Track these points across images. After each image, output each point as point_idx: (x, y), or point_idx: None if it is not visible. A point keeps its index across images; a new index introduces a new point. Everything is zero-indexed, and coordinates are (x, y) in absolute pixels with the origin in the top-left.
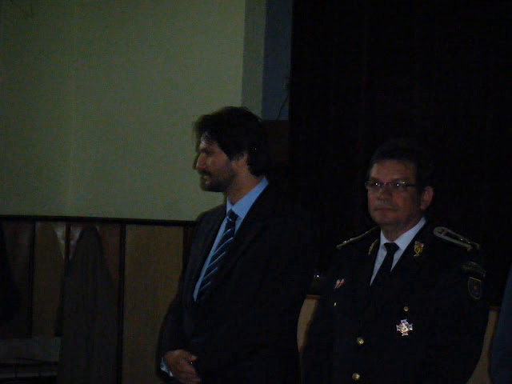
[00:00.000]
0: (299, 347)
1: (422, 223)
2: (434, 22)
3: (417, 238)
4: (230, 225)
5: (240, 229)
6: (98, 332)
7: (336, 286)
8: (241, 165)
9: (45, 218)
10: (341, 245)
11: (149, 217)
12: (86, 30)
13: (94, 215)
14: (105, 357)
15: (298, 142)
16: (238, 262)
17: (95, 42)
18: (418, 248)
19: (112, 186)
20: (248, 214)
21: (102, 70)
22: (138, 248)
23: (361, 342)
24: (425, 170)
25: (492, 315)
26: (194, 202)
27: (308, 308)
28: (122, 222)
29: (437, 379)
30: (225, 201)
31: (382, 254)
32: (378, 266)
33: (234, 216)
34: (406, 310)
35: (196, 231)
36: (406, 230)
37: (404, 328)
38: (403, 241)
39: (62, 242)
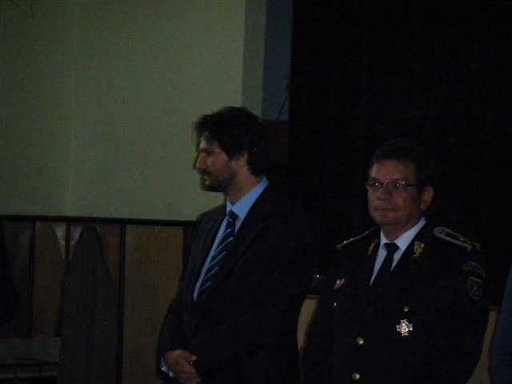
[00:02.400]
0: (299, 347)
1: (421, 223)
2: (434, 22)
3: (417, 237)
4: (230, 225)
5: (240, 229)
6: (97, 332)
7: (336, 286)
8: (241, 165)
9: (45, 218)
10: (341, 245)
11: (149, 217)
12: (86, 30)
13: (94, 215)
14: (105, 357)
15: (298, 142)
16: (238, 262)
17: (95, 42)
18: (418, 248)
19: (112, 185)
20: (248, 214)
21: (102, 70)
22: (138, 248)
23: (361, 341)
24: (425, 170)
25: (492, 315)
26: (194, 202)
27: (308, 308)
28: (122, 222)
29: (437, 379)
30: (225, 201)
31: (381, 254)
32: (378, 266)
33: (233, 216)
34: (405, 310)
35: (196, 231)
36: (405, 230)
37: (404, 328)
38: (403, 241)
39: (62, 242)
